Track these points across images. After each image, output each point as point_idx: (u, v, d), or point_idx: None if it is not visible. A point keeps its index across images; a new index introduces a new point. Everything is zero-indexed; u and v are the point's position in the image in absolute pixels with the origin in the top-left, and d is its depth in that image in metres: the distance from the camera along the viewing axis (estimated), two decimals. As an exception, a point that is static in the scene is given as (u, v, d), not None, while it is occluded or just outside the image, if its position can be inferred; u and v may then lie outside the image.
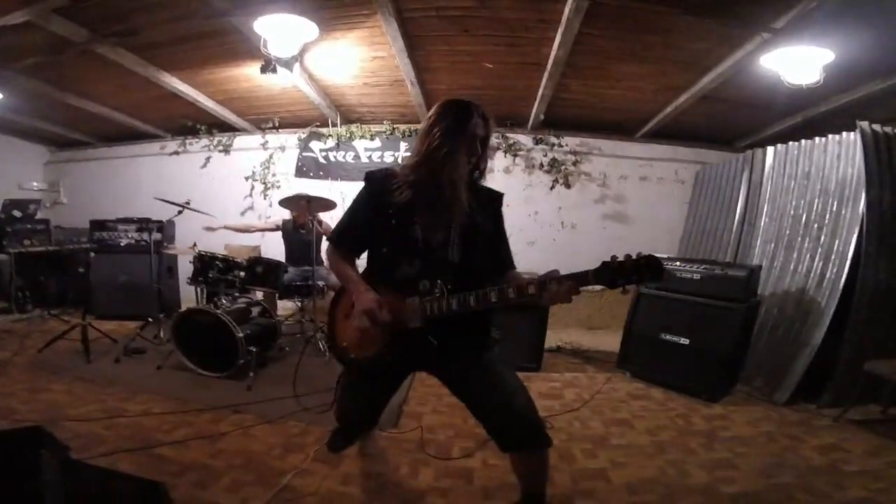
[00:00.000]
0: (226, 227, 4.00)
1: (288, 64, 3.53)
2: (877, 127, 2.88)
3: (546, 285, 1.29)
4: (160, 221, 4.09)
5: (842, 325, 2.77)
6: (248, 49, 3.58)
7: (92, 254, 4.31)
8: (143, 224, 4.30)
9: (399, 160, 5.08)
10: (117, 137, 5.88)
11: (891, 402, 2.67)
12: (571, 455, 2.22)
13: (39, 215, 5.01)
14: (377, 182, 1.53)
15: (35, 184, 6.00)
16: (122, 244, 4.39)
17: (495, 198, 1.62)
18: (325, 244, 3.95)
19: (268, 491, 1.81)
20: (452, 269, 1.46)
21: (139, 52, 3.72)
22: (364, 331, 1.45)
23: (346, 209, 1.62)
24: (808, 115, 4.13)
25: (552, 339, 3.83)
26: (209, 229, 3.88)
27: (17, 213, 4.64)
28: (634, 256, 1.23)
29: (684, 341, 3.09)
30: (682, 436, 2.45)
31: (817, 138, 3.23)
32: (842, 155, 3.01)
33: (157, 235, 4.16)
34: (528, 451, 1.47)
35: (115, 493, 1.52)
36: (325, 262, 1.67)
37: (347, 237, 1.60)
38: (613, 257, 1.24)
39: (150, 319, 3.57)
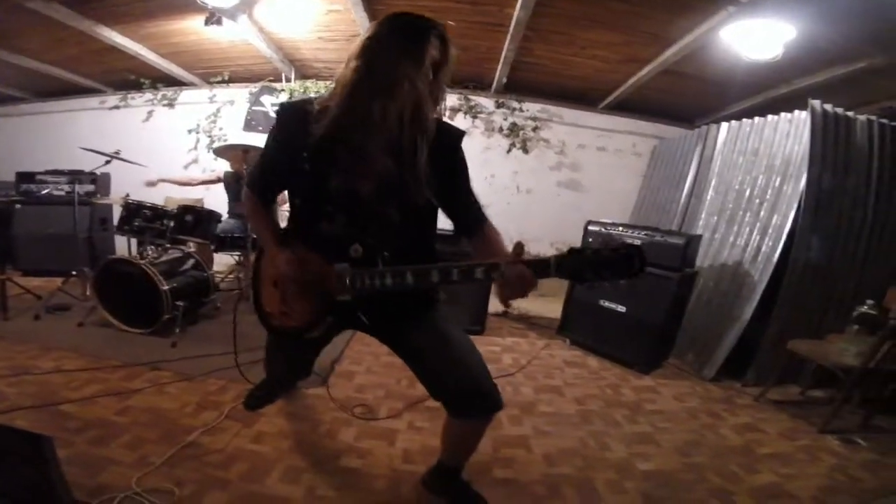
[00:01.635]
0: (163, 181, 3.69)
1: (232, 15, 3.22)
2: (828, 107, 2.83)
3: (501, 271, 1.04)
4: (93, 174, 3.74)
5: (773, 302, 2.77)
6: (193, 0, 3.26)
7: (17, 206, 3.91)
8: (75, 176, 3.93)
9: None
10: (54, 93, 5.40)
11: (809, 383, 2.72)
12: (498, 420, 2.13)
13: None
14: (289, 113, 1.21)
15: None
16: (51, 195, 4.01)
17: (455, 136, 1.25)
18: None
19: (171, 448, 1.68)
20: (390, 229, 1.17)
21: (74, 5, 3.38)
22: (287, 295, 1.25)
23: (261, 152, 1.33)
24: (768, 96, 4.08)
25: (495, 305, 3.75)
26: (150, 184, 3.57)
27: None
28: (614, 246, 0.99)
29: (621, 309, 3.06)
30: (609, 406, 2.43)
31: (770, 116, 3.18)
32: (791, 133, 2.96)
33: (89, 187, 3.82)
34: (479, 416, 1.30)
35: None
36: (245, 208, 1.42)
37: (259, 181, 1.33)
38: (586, 246, 1.01)
39: (73, 273, 3.27)
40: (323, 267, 1.19)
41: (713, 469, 1.90)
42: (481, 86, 4.90)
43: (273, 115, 4.83)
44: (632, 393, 2.63)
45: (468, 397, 1.23)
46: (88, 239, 3.49)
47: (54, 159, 4.56)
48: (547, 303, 4.37)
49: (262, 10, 3.56)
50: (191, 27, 3.84)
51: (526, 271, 1.02)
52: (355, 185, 1.15)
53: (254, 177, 1.38)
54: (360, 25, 3.66)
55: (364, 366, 2.69)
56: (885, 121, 2.92)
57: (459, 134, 1.26)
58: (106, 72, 4.87)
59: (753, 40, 3.05)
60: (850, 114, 2.87)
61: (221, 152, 3.21)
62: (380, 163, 1.12)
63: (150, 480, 1.47)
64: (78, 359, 2.43)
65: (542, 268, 1.02)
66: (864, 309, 2.37)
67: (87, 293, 3.16)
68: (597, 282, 1.00)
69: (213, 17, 3.26)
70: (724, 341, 2.88)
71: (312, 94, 4.62)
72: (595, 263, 0.99)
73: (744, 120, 3.43)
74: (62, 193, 4.00)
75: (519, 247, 1.07)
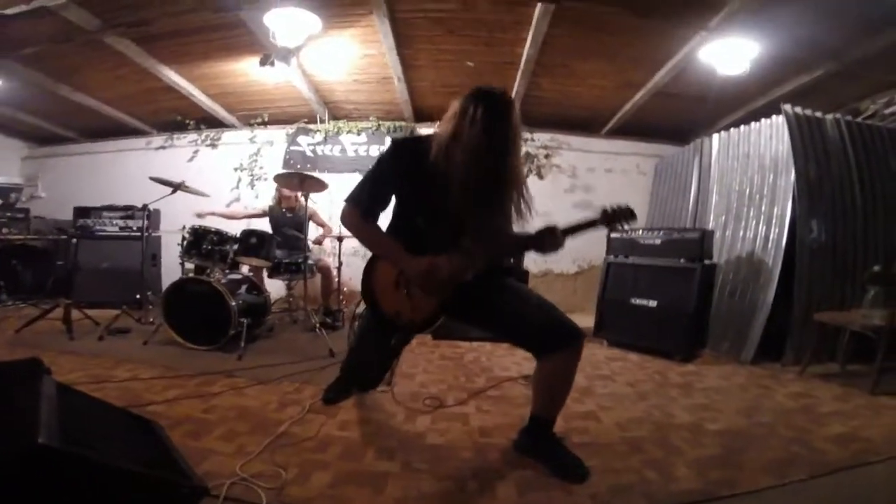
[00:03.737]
0: (214, 214, 3.84)
1: (287, 57, 3.50)
2: (798, 110, 3.14)
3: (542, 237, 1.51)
4: (146, 209, 3.89)
5: (791, 287, 2.89)
6: (248, 43, 3.55)
7: (74, 240, 4.02)
8: (129, 211, 4.06)
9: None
10: (102, 133, 5.59)
11: (848, 357, 2.77)
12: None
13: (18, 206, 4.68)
14: (407, 150, 1.51)
15: (11, 180, 5.56)
16: (106, 231, 4.11)
17: None
18: (312, 226, 3.92)
19: (265, 438, 1.70)
20: (480, 224, 1.48)
21: (143, 43, 3.62)
22: (415, 295, 1.49)
23: (364, 177, 1.57)
24: (749, 109, 4.39)
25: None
26: (199, 215, 3.72)
27: None
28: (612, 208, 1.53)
29: (652, 303, 3.16)
30: (661, 387, 2.48)
31: (753, 123, 3.47)
32: (773, 136, 3.24)
33: (141, 223, 3.94)
34: (567, 346, 1.49)
35: (107, 420, 1.41)
36: (344, 226, 1.59)
37: (366, 201, 1.53)
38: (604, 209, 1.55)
39: (137, 296, 3.34)
40: (447, 260, 1.44)
41: (781, 424, 1.94)
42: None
43: (309, 154, 5.14)
44: (678, 377, 2.66)
45: (555, 330, 1.48)
46: (141, 272, 3.57)
47: (102, 198, 4.67)
48: (576, 317, 4.43)
49: (307, 54, 3.83)
50: (241, 69, 4.08)
51: (556, 230, 1.50)
52: (464, 216, 1.44)
53: (360, 197, 1.55)
54: (392, 69, 3.98)
55: (420, 367, 2.73)
56: (849, 118, 3.23)
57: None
58: (155, 112, 5.07)
59: (726, 58, 3.34)
60: (818, 114, 3.17)
61: (281, 179, 3.38)
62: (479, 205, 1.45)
63: (253, 467, 1.49)
64: (151, 369, 2.46)
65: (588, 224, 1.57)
66: (875, 270, 2.51)
67: (151, 319, 3.22)
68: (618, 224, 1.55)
69: (269, 59, 3.45)
70: (755, 325, 2.96)
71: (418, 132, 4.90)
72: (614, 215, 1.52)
73: (731, 129, 3.71)
74: (117, 228, 4.11)
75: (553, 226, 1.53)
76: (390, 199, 1.56)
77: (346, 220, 1.57)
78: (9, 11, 2.77)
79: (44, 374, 1.25)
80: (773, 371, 2.78)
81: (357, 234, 1.56)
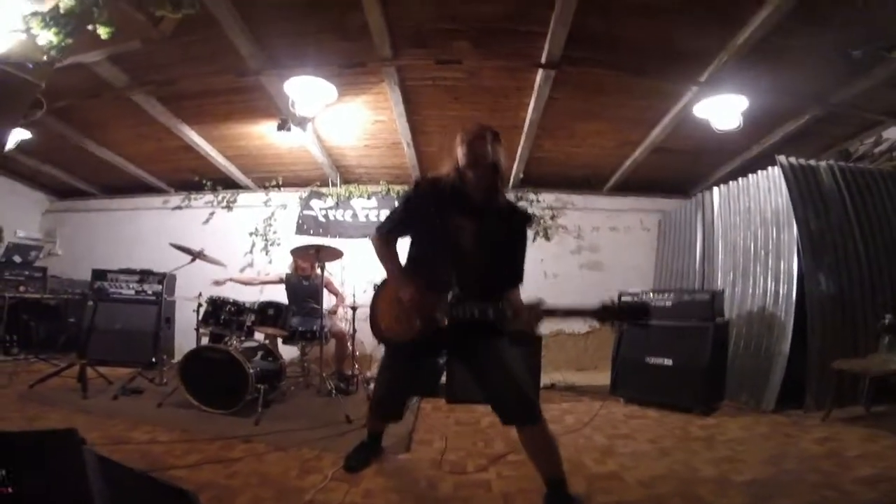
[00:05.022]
0: (232, 280, 4.03)
1: (303, 123, 3.83)
2: (793, 160, 3.38)
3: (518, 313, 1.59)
4: (163, 273, 4.10)
5: (804, 335, 3.01)
6: (266, 107, 3.88)
7: (90, 302, 4.18)
8: (146, 276, 4.27)
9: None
10: (121, 189, 5.89)
11: (871, 400, 2.84)
12: (582, 463, 2.23)
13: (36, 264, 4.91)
14: (425, 189, 1.80)
15: (30, 233, 5.81)
16: (122, 294, 4.30)
17: (517, 212, 1.86)
18: (327, 295, 4.06)
19: (291, 505, 1.76)
20: (480, 274, 1.67)
21: (167, 102, 3.93)
22: (402, 315, 1.68)
23: (394, 209, 1.91)
24: (744, 158, 4.67)
25: (544, 379, 3.89)
26: (217, 283, 3.89)
27: (17, 259, 4.58)
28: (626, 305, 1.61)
29: (668, 362, 3.25)
30: (683, 442, 2.52)
31: (750, 175, 3.72)
32: (771, 188, 3.48)
33: (157, 287, 4.15)
34: (523, 425, 1.63)
35: (149, 493, 1.48)
36: (374, 247, 1.90)
37: (388, 231, 1.86)
38: (612, 301, 1.54)
39: (153, 359, 3.45)
40: (434, 298, 1.65)
41: (808, 470, 1.98)
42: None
43: (322, 219, 5.43)
44: (699, 430, 2.70)
45: (512, 407, 1.63)
46: (155, 335, 3.70)
47: (118, 258, 4.92)
48: (588, 374, 4.53)
49: (321, 120, 4.18)
50: (258, 132, 4.40)
51: (536, 308, 1.58)
52: (463, 240, 1.70)
53: (384, 227, 1.88)
54: (402, 134, 4.34)
55: (437, 433, 2.75)
56: (842, 163, 3.47)
57: (522, 214, 1.87)
58: (174, 170, 5.37)
59: (718, 113, 3.53)
60: (812, 162, 3.40)
61: (297, 252, 3.58)
62: (475, 218, 1.71)
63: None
64: (169, 432, 2.52)
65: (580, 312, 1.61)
66: (887, 321, 2.64)
67: (165, 380, 3.30)
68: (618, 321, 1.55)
69: (286, 124, 3.77)
70: (773, 374, 3.05)
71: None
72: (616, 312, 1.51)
73: (730, 182, 3.97)
74: (132, 292, 4.29)
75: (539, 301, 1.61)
76: (407, 229, 1.84)
77: (373, 244, 1.90)
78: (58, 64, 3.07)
79: (82, 446, 1.30)
80: (796, 418, 2.82)
81: (376, 251, 1.87)
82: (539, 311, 1.56)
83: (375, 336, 1.89)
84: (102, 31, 2.02)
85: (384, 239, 1.86)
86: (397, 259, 1.84)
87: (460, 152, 1.74)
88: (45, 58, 1.89)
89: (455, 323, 1.64)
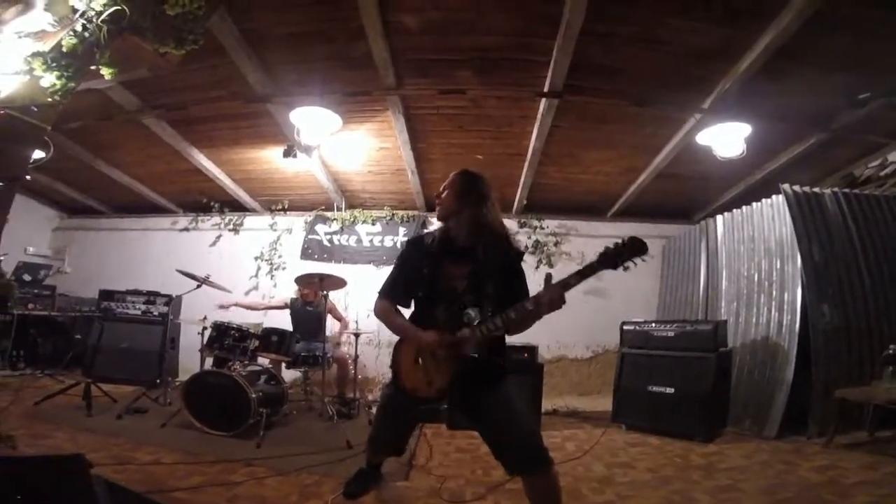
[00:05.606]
0: (237, 305, 4.13)
1: (308, 150, 3.98)
2: (797, 188, 3.41)
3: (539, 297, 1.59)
4: (169, 296, 4.22)
5: (808, 364, 3.04)
6: (273, 133, 4.04)
7: (98, 323, 4.30)
8: (153, 297, 4.40)
9: (398, 244, 5.41)
10: (130, 208, 6.06)
11: (875, 425, 2.85)
12: (579, 493, 2.27)
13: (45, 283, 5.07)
14: (415, 246, 1.91)
15: (40, 250, 5.98)
16: (128, 314, 4.42)
17: (510, 249, 1.86)
18: (330, 321, 4.15)
19: (290, 530, 1.81)
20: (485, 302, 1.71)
21: (177, 125, 4.10)
22: (430, 367, 1.73)
23: (391, 269, 1.96)
24: (748, 183, 4.71)
25: (546, 405, 3.92)
26: (222, 307, 4.00)
27: (27, 277, 4.73)
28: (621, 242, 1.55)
29: (669, 390, 3.28)
30: (683, 470, 2.54)
31: (754, 203, 3.77)
32: (775, 217, 3.53)
33: (163, 308, 4.27)
34: (529, 472, 1.61)
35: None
36: (375, 313, 1.93)
37: (395, 291, 1.89)
38: (607, 246, 1.56)
39: (158, 380, 3.53)
40: (453, 336, 1.66)
41: (806, 500, 1.99)
42: (504, 208, 5.54)
43: (326, 243, 5.56)
44: (700, 458, 2.72)
45: (513, 459, 1.62)
46: (160, 355, 3.79)
47: (125, 277, 5.04)
48: (591, 400, 4.54)
49: (327, 146, 4.32)
50: (265, 156, 4.55)
51: (553, 287, 1.58)
52: (454, 283, 1.75)
53: (388, 289, 1.91)
54: (406, 161, 4.49)
55: (437, 460, 2.79)
56: (846, 190, 3.49)
57: (514, 252, 1.87)
58: (182, 192, 5.54)
59: (721, 141, 3.50)
60: (816, 190, 3.42)
61: (301, 280, 3.70)
62: (465, 262, 1.75)
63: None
64: (172, 453, 2.59)
65: (585, 272, 1.57)
66: (892, 351, 2.66)
67: (169, 401, 3.38)
68: (624, 263, 1.54)
69: (292, 151, 3.91)
70: (776, 401, 3.07)
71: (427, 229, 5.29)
72: (617, 253, 1.53)
73: (734, 210, 4.02)
74: (139, 313, 4.41)
75: (548, 276, 1.63)
76: (405, 286, 1.86)
77: (374, 309, 1.92)
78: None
79: (90, 471, 1.39)
80: (798, 445, 2.83)
81: (380, 314, 1.89)
82: (557, 288, 1.57)
83: (406, 399, 1.86)
84: (105, 72, 2.05)
85: (384, 303, 1.89)
86: (402, 315, 1.87)
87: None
88: (48, 100, 1.87)
89: (456, 378, 1.68)
